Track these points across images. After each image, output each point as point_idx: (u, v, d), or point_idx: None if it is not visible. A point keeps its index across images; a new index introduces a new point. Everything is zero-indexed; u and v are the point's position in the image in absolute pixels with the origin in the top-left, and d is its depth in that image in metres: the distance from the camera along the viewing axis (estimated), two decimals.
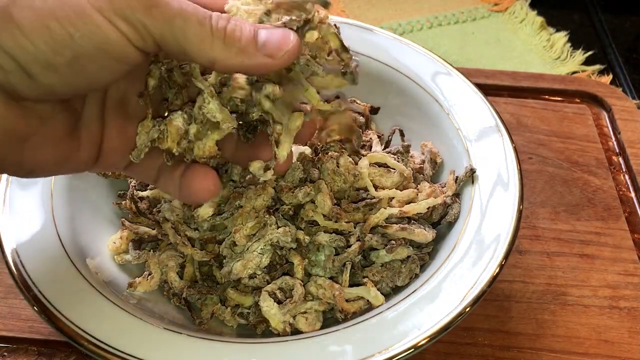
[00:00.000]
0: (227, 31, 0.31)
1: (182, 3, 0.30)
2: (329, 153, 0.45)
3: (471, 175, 0.46)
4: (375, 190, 0.45)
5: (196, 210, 0.43)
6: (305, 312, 0.42)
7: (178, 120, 0.35)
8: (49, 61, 0.28)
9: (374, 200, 0.44)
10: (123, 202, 0.47)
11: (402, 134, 0.51)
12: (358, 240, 0.43)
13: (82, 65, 0.29)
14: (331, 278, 0.43)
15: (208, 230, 0.44)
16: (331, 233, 0.43)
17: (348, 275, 0.43)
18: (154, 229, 0.45)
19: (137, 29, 0.29)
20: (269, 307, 0.41)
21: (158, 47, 0.30)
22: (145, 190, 0.47)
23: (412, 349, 0.37)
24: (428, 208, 0.45)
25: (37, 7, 0.28)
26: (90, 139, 0.34)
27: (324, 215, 0.43)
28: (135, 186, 0.47)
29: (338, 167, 0.44)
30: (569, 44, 0.77)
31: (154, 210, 0.46)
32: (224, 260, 0.43)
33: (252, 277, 0.42)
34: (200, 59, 0.31)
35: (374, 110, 0.54)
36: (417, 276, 0.44)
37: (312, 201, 0.43)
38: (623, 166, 0.60)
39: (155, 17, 0.29)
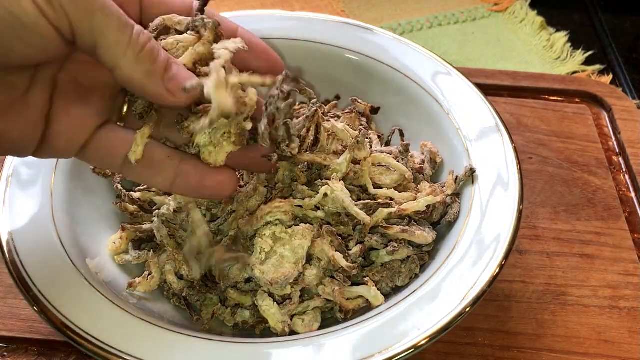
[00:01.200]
0: (145, 48, 0.31)
1: (108, 1, 0.30)
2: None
3: (471, 175, 0.46)
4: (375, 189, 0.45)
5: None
6: (302, 314, 0.42)
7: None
8: None
9: (372, 202, 0.44)
10: (119, 204, 0.47)
11: (402, 134, 0.51)
12: (358, 243, 0.43)
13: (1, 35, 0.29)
14: (331, 277, 0.43)
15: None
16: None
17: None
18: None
19: (55, 9, 0.29)
20: (268, 306, 0.41)
21: (72, 34, 0.30)
22: (136, 191, 0.47)
23: (412, 349, 0.37)
24: (428, 207, 0.45)
25: None
26: (33, 120, 0.34)
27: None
28: (121, 188, 0.47)
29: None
30: (569, 44, 0.77)
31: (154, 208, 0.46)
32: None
33: (248, 281, 0.42)
34: (107, 60, 0.31)
35: (374, 110, 0.54)
36: (417, 276, 0.44)
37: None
38: (623, 166, 0.60)
39: (77, 4, 0.29)
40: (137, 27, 0.32)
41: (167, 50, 0.35)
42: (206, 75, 0.35)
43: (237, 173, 0.43)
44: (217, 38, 0.36)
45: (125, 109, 0.37)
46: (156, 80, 0.32)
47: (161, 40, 0.35)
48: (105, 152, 0.36)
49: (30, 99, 0.33)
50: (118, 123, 0.37)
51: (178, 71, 0.33)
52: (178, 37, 0.36)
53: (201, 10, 0.37)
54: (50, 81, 0.34)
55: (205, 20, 0.36)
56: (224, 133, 0.36)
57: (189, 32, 0.36)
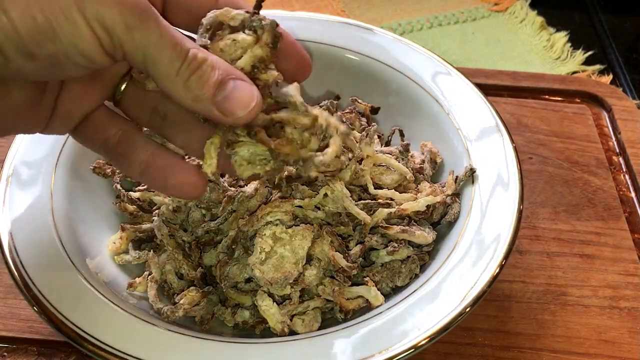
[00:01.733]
0: (192, 76, 0.32)
1: (166, 33, 0.31)
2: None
3: (471, 175, 0.46)
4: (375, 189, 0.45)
5: None
6: (302, 314, 0.42)
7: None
8: (28, 50, 0.29)
9: (373, 202, 0.44)
10: (118, 204, 0.47)
11: (402, 134, 0.51)
12: (358, 243, 0.43)
13: (57, 59, 0.30)
14: (331, 277, 0.43)
15: (205, 233, 0.44)
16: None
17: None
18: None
19: (112, 41, 0.30)
20: (267, 306, 0.41)
21: (124, 59, 0.32)
22: (136, 191, 0.47)
23: (412, 349, 0.37)
24: (428, 207, 0.45)
25: None
26: (48, 104, 0.36)
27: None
28: (120, 188, 0.47)
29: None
30: (569, 44, 0.77)
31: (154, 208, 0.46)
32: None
33: (248, 281, 0.42)
34: (159, 86, 0.33)
35: (374, 110, 0.54)
36: (417, 276, 0.44)
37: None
38: (623, 166, 0.60)
39: (133, 38, 0.31)
40: (191, 53, 0.32)
41: (223, 52, 0.34)
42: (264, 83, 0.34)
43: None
44: (275, 40, 0.34)
45: (122, 88, 0.37)
46: (205, 104, 0.33)
47: (217, 39, 0.34)
48: (91, 133, 0.37)
49: (49, 88, 0.35)
50: (109, 102, 0.38)
51: (232, 90, 0.33)
52: (236, 37, 0.34)
53: (258, 8, 0.35)
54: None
55: (263, 22, 0.34)
56: (264, 159, 0.35)
57: (246, 31, 0.34)
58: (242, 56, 0.34)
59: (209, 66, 0.32)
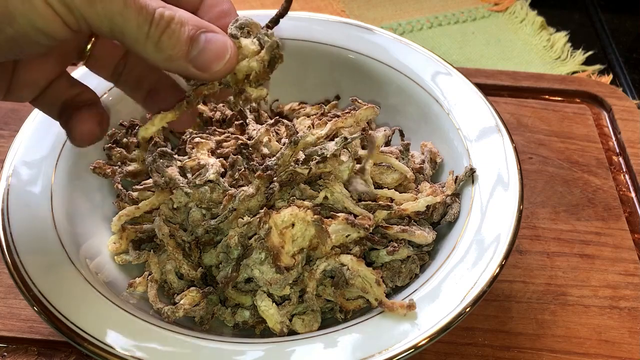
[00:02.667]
0: (162, 36, 0.31)
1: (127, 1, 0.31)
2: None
3: (471, 175, 0.46)
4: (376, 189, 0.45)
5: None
6: (302, 314, 0.42)
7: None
8: None
9: (373, 203, 0.44)
10: (118, 204, 0.47)
11: (402, 134, 0.51)
12: (357, 244, 0.43)
13: (16, 41, 0.30)
14: (331, 277, 0.43)
15: (205, 233, 0.44)
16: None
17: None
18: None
19: (74, 16, 0.30)
20: (267, 306, 0.41)
21: (90, 32, 0.31)
22: (135, 191, 0.47)
23: (412, 349, 0.37)
24: (428, 207, 0.45)
25: None
26: (5, 74, 0.35)
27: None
28: (121, 188, 0.47)
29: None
30: (569, 44, 0.77)
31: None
32: (220, 265, 0.43)
33: (248, 281, 0.42)
34: (134, 52, 0.32)
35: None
36: (417, 276, 0.44)
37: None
38: (623, 166, 0.60)
39: (96, 11, 0.30)
40: (157, 15, 0.31)
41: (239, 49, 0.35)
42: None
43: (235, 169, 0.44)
44: (273, 60, 0.36)
45: (88, 48, 0.38)
46: (180, 63, 0.32)
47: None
48: (52, 99, 0.38)
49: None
50: (79, 63, 0.39)
51: (205, 42, 0.32)
52: (246, 41, 0.35)
53: (273, 22, 0.37)
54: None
55: (267, 39, 0.35)
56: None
57: (254, 40, 0.36)
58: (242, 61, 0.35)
59: (177, 23, 0.31)
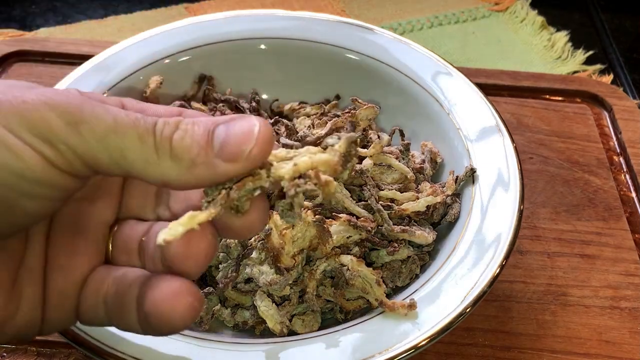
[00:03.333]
0: (173, 142, 0.25)
1: (118, 115, 0.24)
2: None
3: (471, 175, 0.46)
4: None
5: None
6: (302, 314, 0.42)
7: None
8: None
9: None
10: None
11: (402, 134, 0.51)
12: (358, 245, 0.43)
13: (4, 198, 0.23)
14: (331, 277, 0.43)
15: None
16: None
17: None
18: None
19: (59, 150, 0.23)
20: (267, 307, 0.41)
21: (92, 169, 0.25)
22: None
23: (413, 350, 0.37)
24: (428, 207, 0.45)
25: None
26: (33, 282, 0.27)
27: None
28: None
29: None
30: (570, 44, 0.77)
31: None
32: (220, 265, 0.43)
33: (248, 281, 0.42)
34: (150, 180, 0.25)
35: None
36: (417, 276, 0.44)
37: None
38: (624, 166, 0.60)
39: (82, 135, 0.23)
40: (159, 122, 0.25)
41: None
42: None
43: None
44: (268, 172, 0.26)
45: (110, 246, 0.30)
46: (206, 163, 0.25)
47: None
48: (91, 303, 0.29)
49: (28, 261, 0.27)
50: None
51: (225, 132, 0.25)
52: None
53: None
54: (44, 232, 0.28)
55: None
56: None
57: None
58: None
59: (186, 123, 0.25)
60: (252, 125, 0.25)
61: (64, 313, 0.28)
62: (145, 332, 0.27)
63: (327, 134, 0.46)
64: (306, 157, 0.26)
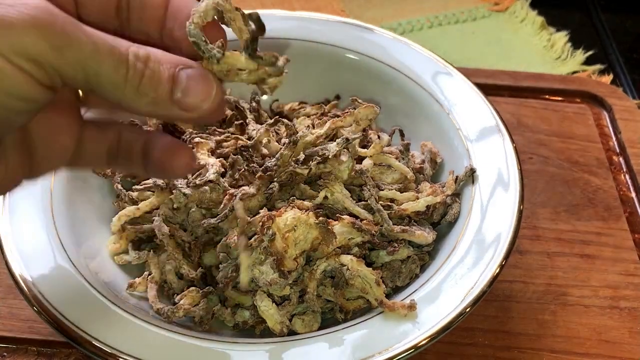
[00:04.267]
0: (143, 78, 0.29)
1: (98, 40, 0.28)
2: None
3: (471, 175, 0.46)
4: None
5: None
6: (302, 314, 0.42)
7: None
8: None
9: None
10: (118, 204, 0.47)
11: (402, 134, 0.51)
12: (358, 245, 0.43)
13: None
14: (331, 277, 0.43)
15: (205, 233, 0.44)
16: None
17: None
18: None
19: (44, 69, 0.27)
20: (267, 306, 0.41)
21: (65, 84, 0.28)
22: (134, 191, 0.47)
23: (413, 349, 0.37)
24: (428, 207, 0.45)
25: None
26: (17, 149, 0.31)
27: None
28: (121, 188, 0.47)
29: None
30: (570, 44, 0.77)
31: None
32: (220, 265, 0.43)
33: None
34: (112, 100, 0.29)
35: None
36: (417, 276, 0.44)
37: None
38: (624, 166, 0.60)
39: (66, 58, 0.27)
40: (132, 56, 0.29)
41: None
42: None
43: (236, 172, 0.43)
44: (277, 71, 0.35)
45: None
46: (165, 105, 0.30)
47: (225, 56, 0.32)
48: (90, 154, 0.34)
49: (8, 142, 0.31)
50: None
51: (187, 81, 0.30)
52: (238, 56, 0.33)
53: (252, 44, 0.33)
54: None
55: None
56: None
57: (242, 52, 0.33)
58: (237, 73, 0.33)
59: (154, 62, 0.29)
60: (210, 84, 0.31)
61: (53, 163, 0.33)
62: (147, 174, 0.36)
63: (327, 134, 0.46)
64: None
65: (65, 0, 0.31)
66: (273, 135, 0.47)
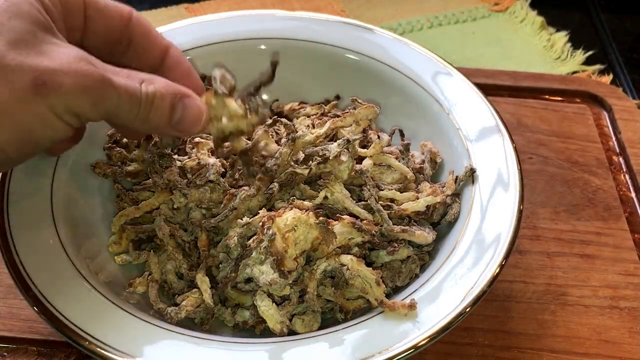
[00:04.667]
0: (150, 114, 0.36)
1: (121, 91, 0.35)
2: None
3: (471, 175, 0.46)
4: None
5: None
6: (302, 314, 0.42)
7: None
8: (10, 157, 0.34)
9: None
10: (118, 204, 0.47)
11: (402, 134, 0.51)
12: (358, 245, 0.43)
13: (36, 150, 0.36)
14: (331, 277, 0.43)
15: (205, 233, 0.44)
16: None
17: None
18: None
19: (81, 120, 0.35)
20: (267, 306, 0.41)
21: (88, 121, 0.36)
22: (135, 191, 0.47)
23: (413, 349, 0.37)
24: (428, 207, 0.45)
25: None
26: None
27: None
28: (121, 188, 0.47)
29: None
30: (569, 44, 0.77)
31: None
32: (220, 265, 0.43)
33: (248, 281, 0.42)
34: (121, 125, 0.40)
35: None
36: (417, 276, 0.44)
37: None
38: (623, 166, 0.60)
39: (98, 111, 0.35)
40: (143, 95, 0.36)
41: (212, 106, 0.39)
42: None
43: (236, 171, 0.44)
44: (262, 121, 0.42)
45: None
46: (164, 130, 0.38)
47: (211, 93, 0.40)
48: None
49: None
50: None
51: (185, 111, 0.38)
52: (232, 104, 0.40)
53: (258, 88, 0.41)
54: None
55: (259, 109, 0.41)
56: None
57: (238, 101, 0.40)
58: (222, 117, 0.40)
59: (159, 99, 0.36)
60: (201, 113, 0.38)
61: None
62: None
63: (326, 134, 0.46)
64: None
65: (74, 28, 0.38)
66: (272, 136, 0.47)
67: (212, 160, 0.45)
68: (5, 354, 0.44)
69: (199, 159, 0.45)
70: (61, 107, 0.33)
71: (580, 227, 0.54)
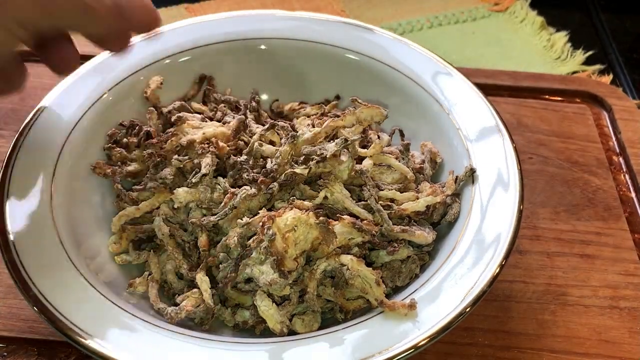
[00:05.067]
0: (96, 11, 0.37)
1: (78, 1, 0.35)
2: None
3: (471, 175, 0.46)
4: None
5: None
6: (302, 314, 0.42)
7: None
8: None
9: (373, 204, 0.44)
10: (118, 204, 0.47)
11: (402, 134, 0.51)
12: (358, 245, 0.43)
13: None
14: (331, 277, 0.43)
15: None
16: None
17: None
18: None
19: (29, 31, 0.35)
20: (267, 306, 0.41)
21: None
22: (135, 191, 0.47)
23: (412, 349, 0.37)
24: (428, 207, 0.45)
25: None
26: None
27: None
28: (121, 188, 0.47)
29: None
30: (569, 44, 0.77)
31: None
32: (220, 265, 0.43)
33: (248, 281, 0.42)
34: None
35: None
36: (417, 276, 0.44)
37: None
38: (623, 166, 0.60)
39: (51, 19, 0.35)
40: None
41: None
42: None
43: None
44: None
45: None
46: (116, 23, 0.39)
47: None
48: None
49: None
50: None
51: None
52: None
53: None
54: None
55: None
56: None
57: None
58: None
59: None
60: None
61: None
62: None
63: (326, 133, 0.46)
64: (211, 128, 0.47)
65: None
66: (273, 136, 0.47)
67: (207, 160, 0.45)
68: (5, 354, 0.44)
69: (186, 133, 0.46)
70: (10, 19, 0.33)
71: (580, 227, 0.54)
